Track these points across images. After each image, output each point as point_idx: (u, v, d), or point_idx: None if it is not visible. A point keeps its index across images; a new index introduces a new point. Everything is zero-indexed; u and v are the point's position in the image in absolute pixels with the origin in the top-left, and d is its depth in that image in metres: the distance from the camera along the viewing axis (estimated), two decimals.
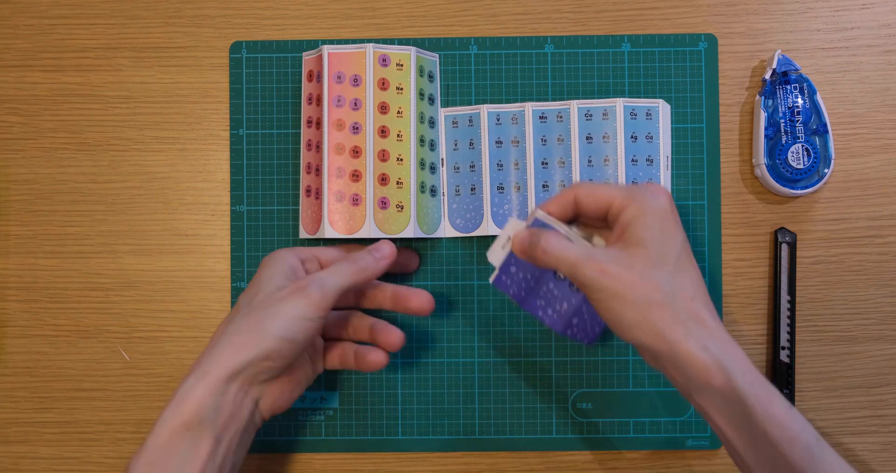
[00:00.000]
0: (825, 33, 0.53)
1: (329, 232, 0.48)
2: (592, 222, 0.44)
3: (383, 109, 0.50)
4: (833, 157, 0.51)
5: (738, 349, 0.39)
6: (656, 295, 0.39)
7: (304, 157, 0.52)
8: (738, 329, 0.52)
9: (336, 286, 0.44)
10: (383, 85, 0.50)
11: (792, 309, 0.52)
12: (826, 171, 0.51)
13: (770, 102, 0.52)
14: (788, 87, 0.51)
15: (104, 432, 0.53)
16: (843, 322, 0.52)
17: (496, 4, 0.54)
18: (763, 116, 0.51)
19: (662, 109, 0.51)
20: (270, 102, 0.53)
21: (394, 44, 0.53)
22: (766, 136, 0.51)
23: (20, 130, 0.54)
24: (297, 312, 0.43)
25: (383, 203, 0.49)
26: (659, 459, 0.52)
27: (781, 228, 0.52)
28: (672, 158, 0.52)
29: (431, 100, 0.52)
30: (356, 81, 0.49)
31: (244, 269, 0.53)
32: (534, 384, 0.52)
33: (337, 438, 0.52)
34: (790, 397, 0.51)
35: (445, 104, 0.53)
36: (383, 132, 0.49)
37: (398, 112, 0.50)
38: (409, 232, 0.49)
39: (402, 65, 0.50)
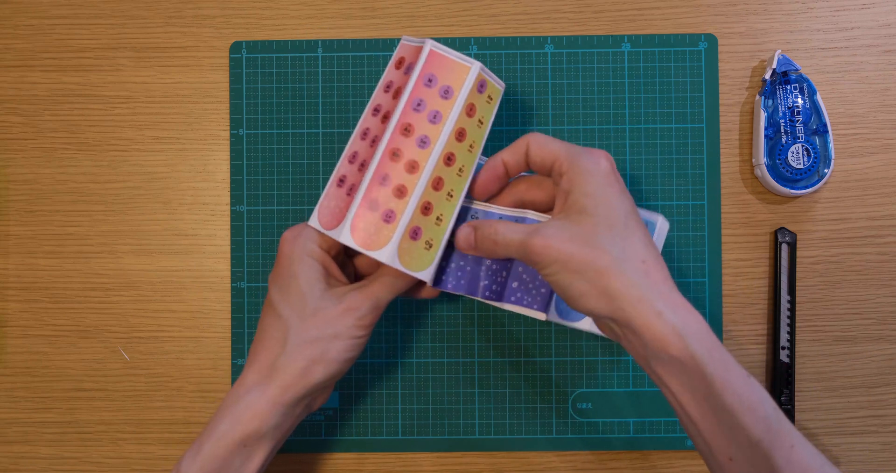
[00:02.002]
0: (825, 33, 0.53)
1: (346, 238, 0.41)
2: (539, 170, 0.44)
3: (460, 136, 0.43)
4: (833, 157, 0.51)
5: (695, 313, 0.38)
6: (604, 261, 0.38)
7: (353, 144, 0.45)
8: (738, 329, 0.52)
9: (385, 302, 0.44)
10: (470, 111, 0.44)
11: (792, 309, 0.52)
12: (826, 171, 0.51)
13: (770, 102, 0.52)
14: (788, 87, 0.51)
15: (104, 432, 0.53)
16: (843, 322, 0.52)
17: (496, 4, 0.54)
18: (763, 116, 0.51)
19: (661, 224, 0.46)
20: (270, 102, 0.53)
21: (394, 44, 0.53)
22: (766, 136, 0.51)
23: (20, 130, 0.54)
24: (353, 333, 0.42)
25: (414, 233, 0.43)
26: (659, 459, 0.52)
27: (781, 228, 0.52)
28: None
29: None
30: (447, 93, 0.43)
31: (244, 269, 0.53)
32: (534, 385, 0.52)
33: (337, 438, 0.52)
34: (790, 397, 0.51)
35: None
36: (449, 160, 0.43)
37: (470, 146, 0.44)
38: (425, 275, 0.43)
39: (492, 99, 0.45)
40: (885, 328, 0.52)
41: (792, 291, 0.52)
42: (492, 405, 0.52)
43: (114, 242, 0.53)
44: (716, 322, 0.52)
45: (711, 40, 0.53)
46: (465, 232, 0.44)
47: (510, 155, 0.44)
